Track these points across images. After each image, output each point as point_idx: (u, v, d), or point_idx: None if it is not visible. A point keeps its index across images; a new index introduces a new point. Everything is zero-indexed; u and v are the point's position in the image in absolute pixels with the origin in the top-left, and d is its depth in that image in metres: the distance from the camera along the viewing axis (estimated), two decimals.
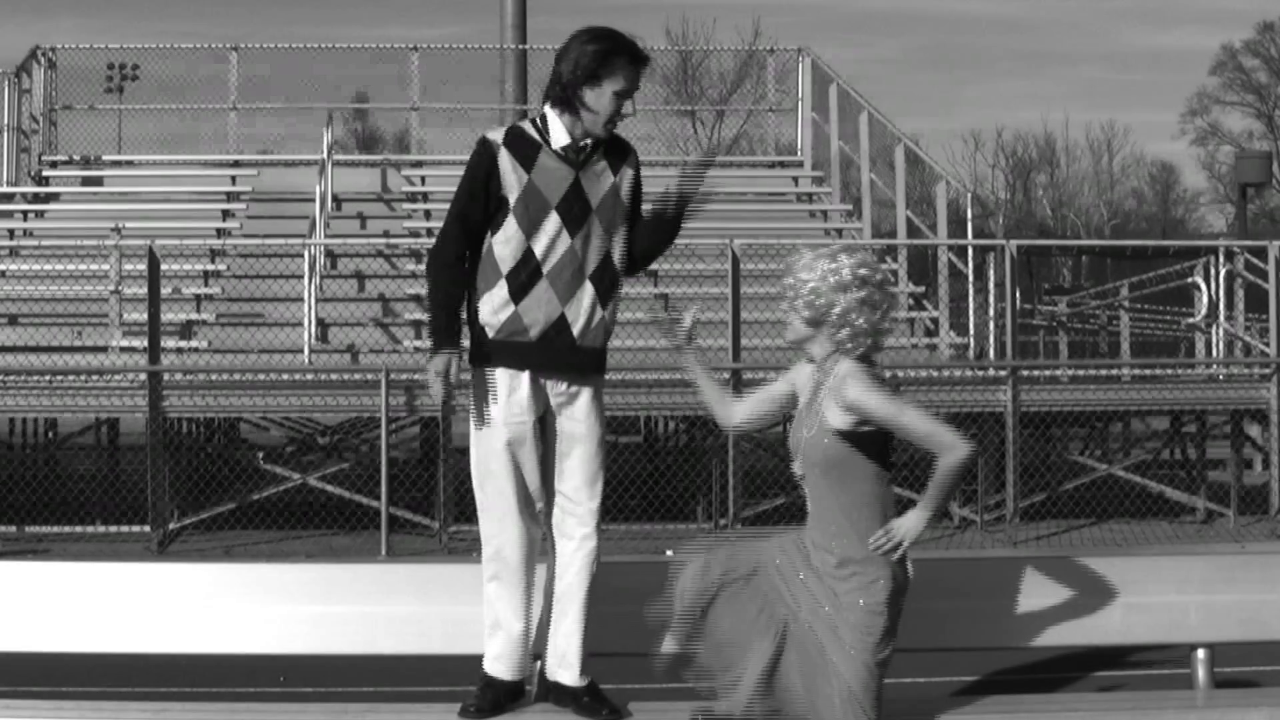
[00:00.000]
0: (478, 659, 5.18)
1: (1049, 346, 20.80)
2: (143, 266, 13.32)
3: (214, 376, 13.60)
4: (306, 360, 13.96)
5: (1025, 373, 14.12)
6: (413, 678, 5.21)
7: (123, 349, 13.96)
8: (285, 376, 13.81)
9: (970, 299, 14.91)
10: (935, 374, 14.32)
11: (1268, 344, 14.59)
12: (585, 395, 5.10)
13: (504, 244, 4.96)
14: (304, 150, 18.51)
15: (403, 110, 20.17)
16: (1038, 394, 14.07)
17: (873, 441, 4.57)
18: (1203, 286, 15.87)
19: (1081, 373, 15.83)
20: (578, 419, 5.08)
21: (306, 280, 14.09)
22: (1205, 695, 5.49)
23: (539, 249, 4.94)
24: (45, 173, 18.45)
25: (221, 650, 5.44)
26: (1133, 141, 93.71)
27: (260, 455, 14.78)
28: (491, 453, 5.02)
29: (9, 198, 17.58)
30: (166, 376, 13.09)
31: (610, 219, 5.01)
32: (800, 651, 4.58)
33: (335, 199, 17.17)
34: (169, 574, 5.61)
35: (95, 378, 13.55)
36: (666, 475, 13.83)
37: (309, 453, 16.79)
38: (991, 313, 14.57)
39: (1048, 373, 15.70)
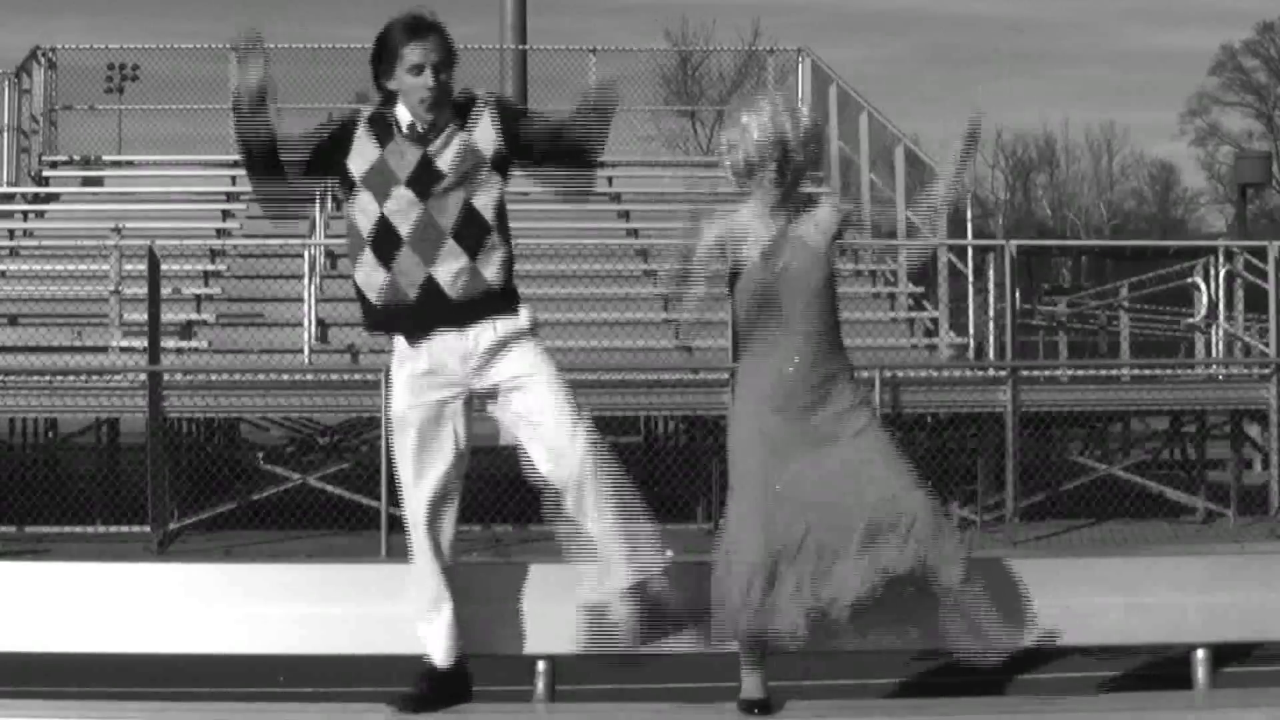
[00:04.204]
0: (478, 659, 5.18)
1: (1049, 346, 20.79)
2: (143, 266, 13.32)
3: (214, 376, 13.60)
4: (306, 360, 13.96)
5: (1025, 373, 14.10)
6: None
7: (123, 349, 13.96)
8: (285, 376, 13.82)
9: (970, 299, 14.90)
10: (935, 374, 14.31)
11: (1267, 344, 14.58)
12: (497, 335, 5.06)
13: (361, 214, 5.09)
14: None
15: None
16: (1038, 394, 14.05)
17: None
18: (1202, 287, 15.87)
19: (1081, 373, 15.82)
20: (504, 358, 5.04)
21: (306, 280, 14.09)
22: (1205, 695, 5.48)
23: (394, 219, 5.04)
24: (45, 173, 18.46)
25: (221, 650, 5.44)
26: (1133, 141, 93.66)
27: (260, 455, 14.77)
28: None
29: (9, 198, 17.58)
30: (166, 376, 13.08)
31: (470, 174, 5.05)
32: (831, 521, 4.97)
33: (335, 199, 17.17)
34: (169, 574, 5.61)
35: (95, 378, 13.54)
36: (666, 475, 13.81)
37: (309, 453, 16.79)
38: (991, 313, 14.57)
39: (1048, 373, 15.69)
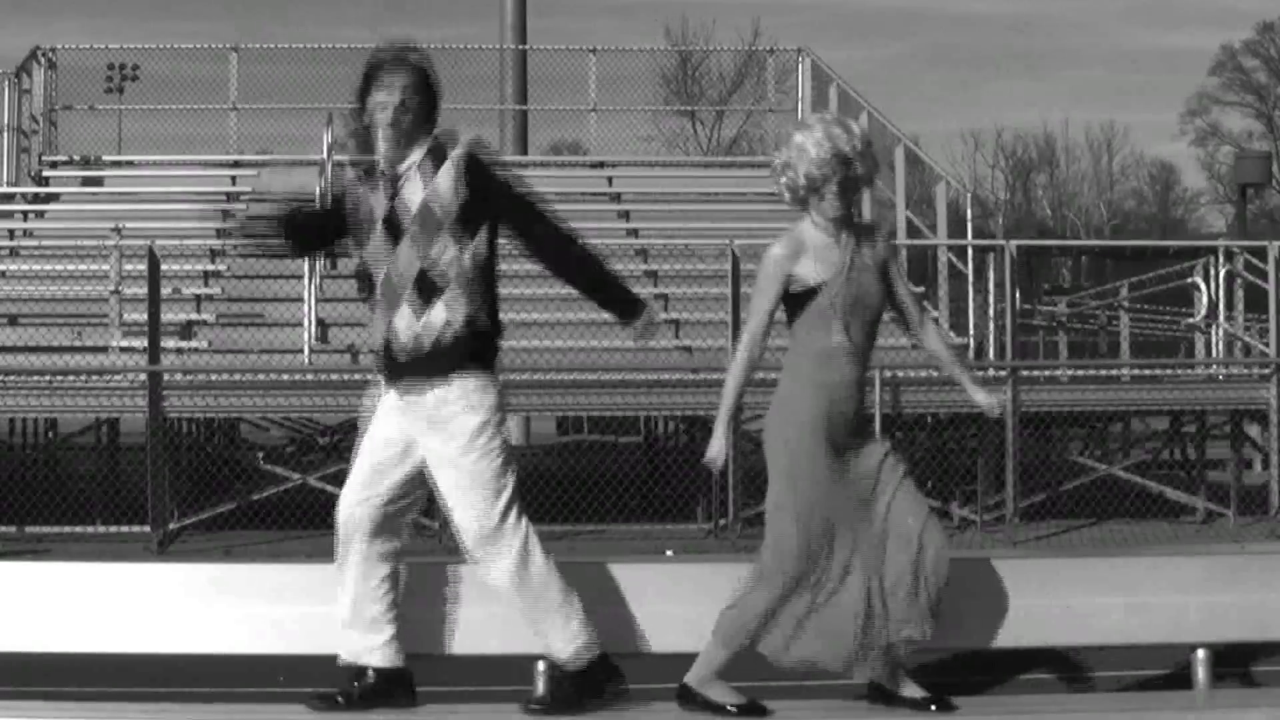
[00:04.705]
0: (477, 659, 5.18)
1: (1049, 346, 20.79)
2: (143, 266, 13.32)
3: (214, 376, 13.60)
4: (306, 360, 13.96)
5: (1025, 373, 14.11)
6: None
7: (123, 349, 13.95)
8: (285, 376, 13.81)
9: (970, 299, 14.91)
10: (935, 374, 14.29)
11: (1267, 344, 14.59)
12: (429, 404, 5.03)
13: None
14: (304, 150, 18.49)
15: None
16: (1038, 394, 14.07)
17: None
18: (1202, 287, 15.87)
19: (1081, 373, 15.83)
20: (432, 434, 5.04)
21: (306, 280, 14.08)
22: (1205, 695, 5.49)
23: (372, 268, 5.12)
24: (45, 173, 18.44)
25: (221, 650, 5.44)
26: (1133, 141, 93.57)
27: (260, 455, 14.78)
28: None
29: (9, 198, 17.57)
30: (166, 376, 13.08)
31: (429, 227, 5.01)
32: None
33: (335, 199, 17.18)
34: (169, 574, 5.61)
35: (95, 378, 13.54)
36: (666, 475, 13.80)
37: (309, 453, 16.80)
38: (991, 313, 14.57)
39: (1048, 373, 15.69)
